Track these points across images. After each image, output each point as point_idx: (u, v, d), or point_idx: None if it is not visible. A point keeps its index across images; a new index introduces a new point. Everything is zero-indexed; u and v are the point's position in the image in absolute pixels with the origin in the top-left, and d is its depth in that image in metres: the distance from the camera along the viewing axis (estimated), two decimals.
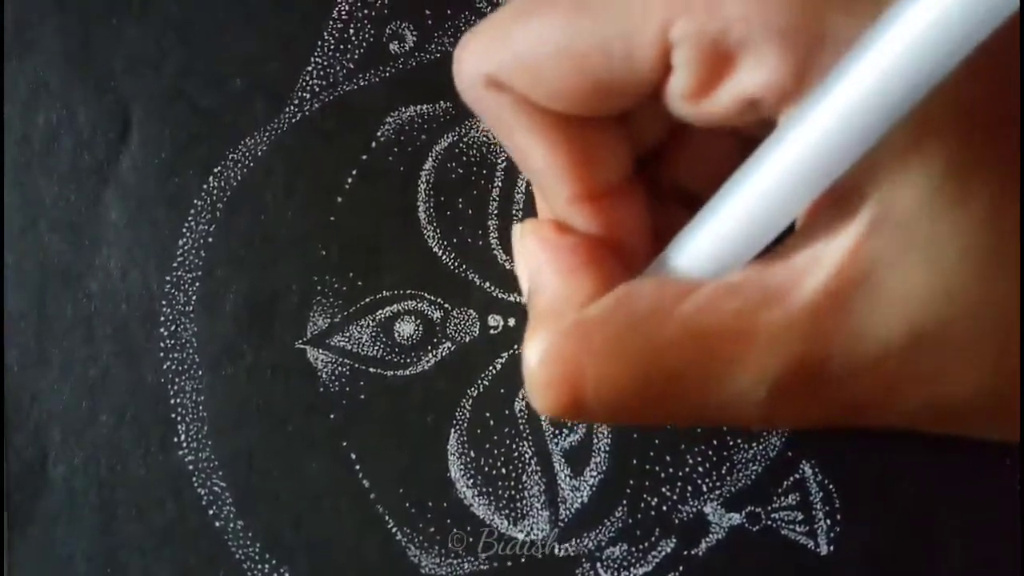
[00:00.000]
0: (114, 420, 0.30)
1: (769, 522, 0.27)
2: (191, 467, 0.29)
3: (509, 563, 0.28)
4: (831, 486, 0.27)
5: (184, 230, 0.30)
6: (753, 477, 0.28)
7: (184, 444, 0.29)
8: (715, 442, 0.28)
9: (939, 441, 0.27)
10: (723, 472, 0.28)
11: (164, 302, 0.30)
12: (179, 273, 0.30)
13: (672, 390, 0.19)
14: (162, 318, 0.30)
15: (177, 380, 0.29)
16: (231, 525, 0.29)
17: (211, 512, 0.29)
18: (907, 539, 0.27)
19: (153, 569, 0.29)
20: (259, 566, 0.29)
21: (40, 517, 0.29)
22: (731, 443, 0.28)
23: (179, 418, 0.29)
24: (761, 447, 0.28)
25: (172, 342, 0.30)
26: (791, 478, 0.28)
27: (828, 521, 0.27)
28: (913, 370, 0.18)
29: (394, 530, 0.28)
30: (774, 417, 0.19)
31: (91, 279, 0.30)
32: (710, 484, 0.28)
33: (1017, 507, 0.27)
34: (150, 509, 0.29)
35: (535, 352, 0.20)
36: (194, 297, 0.30)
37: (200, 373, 0.29)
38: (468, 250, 0.29)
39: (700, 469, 0.28)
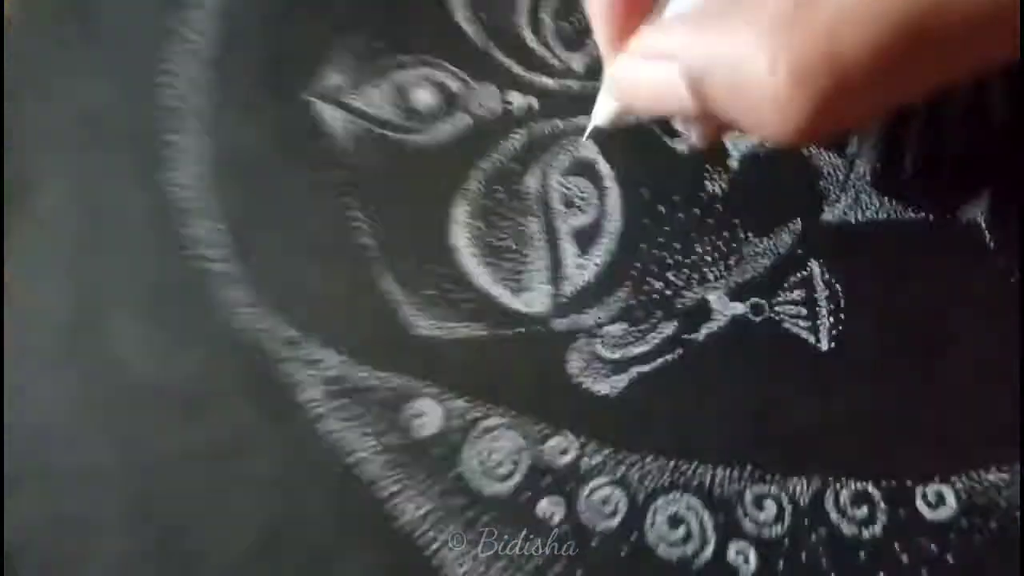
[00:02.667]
0: (105, 152, 0.28)
1: (772, 314, 0.27)
2: (184, 206, 0.28)
3: (506, 332, 0.27)
4: (837, 285, 0.27)
5: None
6: (761, 270, 0.27)
7: (180, 183, 0.28)
8: (726, 234, 0.28)
9: (951, 252, 0.27)
10: (731, 263, 0.27)
11: (177, 41, 0.29)
12: (196, 13, 0.29)
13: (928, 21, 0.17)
14: (173, 57, 0.29)
15: (180, 120, 0.28)
16: (219, 267, 0.28)
17: (201, 253, 0.28)
18: (908, 343, 0.27)
19: (128, 298, 0.27)
20: (244, 309, 0.27)
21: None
22: (742, 236, 0.28)
23: (178, 156, 0.28)
24: (771, 242, 0.28)
25: (180, 81, 0.28)
26: (798, 274, 0.27)
27: (831, 319, 0.27)
28: None
29: (391, 289, 0.27)
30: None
31: (102, 10, 0.29)
32: (716, 273, 0.27)
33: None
34: (135, 242, 0.28)
35: (763, 62, 0.18)
36: (210, 40, 0.29)
37: (205, 115, 0.28)
38: (495, 27, 0.29)
39: (708, 259, 0.28)
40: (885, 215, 0.28)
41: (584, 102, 0.28)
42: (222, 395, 0.26)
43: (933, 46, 0.18)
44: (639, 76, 0.22)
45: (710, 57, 0.19)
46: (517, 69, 0.29)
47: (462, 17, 0.29)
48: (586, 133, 0.27)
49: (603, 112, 0.26)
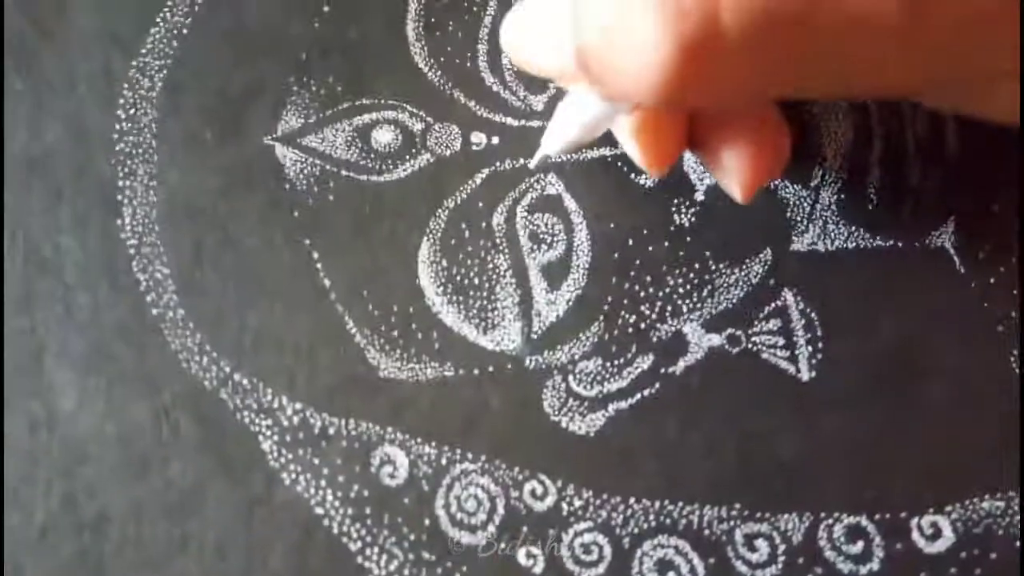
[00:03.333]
0: (51, 197, 0.27)
1: (750, 345, 0.26)
2: (132, 251, 0.26)
3: (476, 371, 0.26)
4: (813, 314, 0.27)
5: (158, 19, 0.28)
6: (735, 301, 0.27)
7: (128, 228, 0.27)
8: (697, 265, 0.27)
9: (923, 278, 0.27)
10: (704, 295, 0.27)
11: (126, 85, 0.28)
12: (147, 59, 0.28)
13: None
14: (121, 100, 0.28)
15: (129, 163, 0.27)
16: (170, 313, 0.26)
17: (149, 299, 0.26)
18: (888, 371, 0.26)
19: (73, 347, 0.25)
20: (196, 357, 0.26)
21: None
22: (713, 268, 0.27)
23: (126, 201, 0.27)
24: (743, 273, 0.27)
25: (129, 125, 0.28)
26: (773, 304, 0.27)
27: (810, 348, 0.26)
28: None
29: (353, 331, 0.26)
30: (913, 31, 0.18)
31: (48, 53, 0.28)
32: (690, 305, 0.27)
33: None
34: (79, 289, 0.26)
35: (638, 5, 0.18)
36: (159, 84, 0.28)
37: (156, 158, 0.27)
38: (455, 69, 0.29)
39: (680, 291, 0.27)
40: (854, 244, 0.27)
41: None
42: (173, 447, 0.24)
43: (820, 36, 0.18)
44: (527, 25, 0.22)
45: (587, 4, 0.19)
46: (479, 109, 0.28)
47: (422, 60, 0.28)
48: (533, 160, 0.26)
49: (553, 141, 0.25)
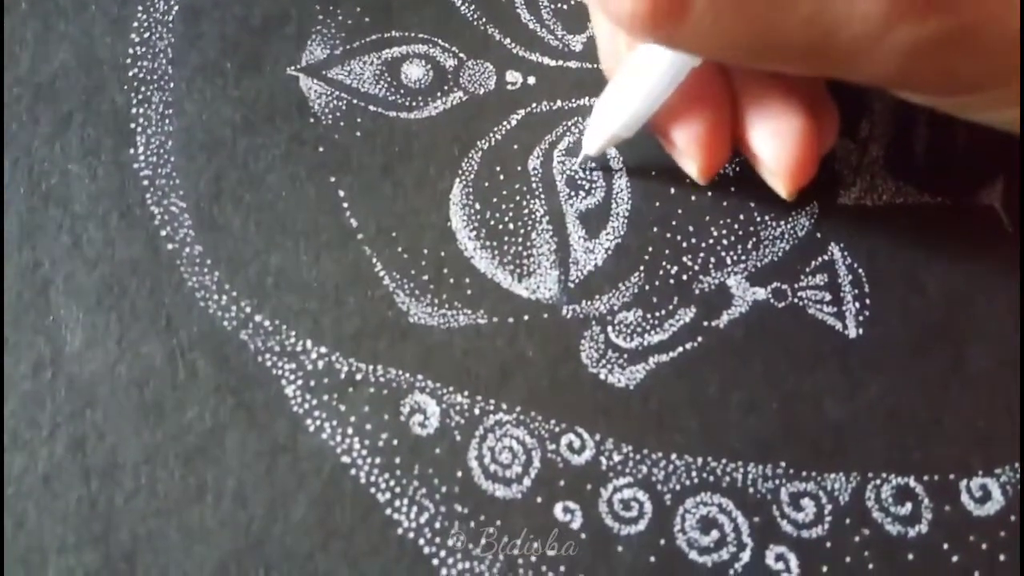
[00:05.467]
0: (59, 124, 0.25)
1: (796, 300, 0.25)
2: (146, 183, 0.25)
3: (510, 319, 0.24)
4: (860, 269, 0.26)
5: None
6: (780, 254, 0.26)
7: (142, 158, 0.25)
8: (742, 217, 0.26)
9: (971, 236, 0.26)
10: (748, 247, 0.26)
11: (140, 8, 0.26)
12: None
13: None
14: (135, 23, 0.26)
15: (143, 89, 0.25)
16: (186, 250, 0.24)
17: (163, 233, 0.24)
18: (935, 330, 0.25)
19: (81, 282, 0.24)
20: (215, 296, 0.24)
21: None
22: (758, 219, 0.26)
23: (139, 129, 0.25)
24: (789, 225, 0.26)
25: (143, 50, 0.26)
26: (819, 259, 0.26)
27: (857, 304, 0.25)
28: None
29: (382, 274, 0.25)
30: (885, 38, 0.18)
31: None
32: (734, 257, 0.26)
33: None
34: (89, 220, 0.24)
35: None
36: (176, 7, 0.26)
37: (171, 86, 0.26)
38: (490, 4, 0.27)
39: (724, 242, 0.26)
40: (902, 199, 0.26)
41: (583, 83, 0.27)
42: (189, 390, 0.23)
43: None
44: None
45: None
46: (514, 47, 0.27)
47: None
48: (577, 161, 0.25)
49: (593, 142, 0.24)
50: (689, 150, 0.24)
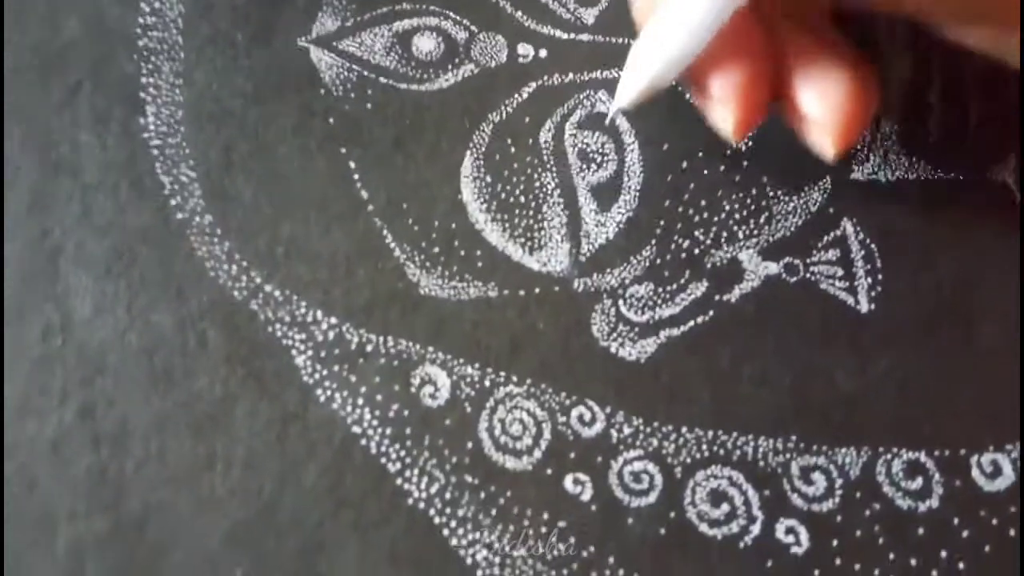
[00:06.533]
0: (68, 92, 0.25)
1: (808, 274, 0.25)
2: (156, 152, 0.25)
3: (521, 292, 0.24)
4: (872, 245, 0.26)
5: None
6: (792, 229, 0.26)
7: (152, 128, 0.25)
8: (754, 191, 0.26)
9: (983, 212, 0.26)
10: (761, 221, 0.26)
11: None
12: None
13: None
14: None
15: (153, 59, 0.25)
16: (196, 219, 0.24)
17: (173, 202, 0.24)
18: (947, 306, 0.25)
19: (91, 250, 0.24)
20: (225, 266, 0.24)
21: None
22: (771, 194, 0.26)
23: (149, 99, 0.25)
24: (802, 200, 0.26)
25: (153, 19, 0.26)
26: (832, 234, 0.26)
27: (869, 279, 0.25)
28: None
29: (392, 245, 0.25)
30: None
31: None
32: (746, 232, 0.25)
33: None
34: (98, 189, 0.24)
35: None
36: None
37: (182, 56, 0.25)
38: None
39: (736, 216, 0.26)
40: (914, 175, 0.26)
41: (595, 56, 0.27)
42: (199, 359, 0.23)
43: None
44: None
45: None
46: (526, 20, 0.27)
47: None
48: (609, 115, 0.25)
49: (627, 92, 0.24)
50: (727, 100, 0.23)
